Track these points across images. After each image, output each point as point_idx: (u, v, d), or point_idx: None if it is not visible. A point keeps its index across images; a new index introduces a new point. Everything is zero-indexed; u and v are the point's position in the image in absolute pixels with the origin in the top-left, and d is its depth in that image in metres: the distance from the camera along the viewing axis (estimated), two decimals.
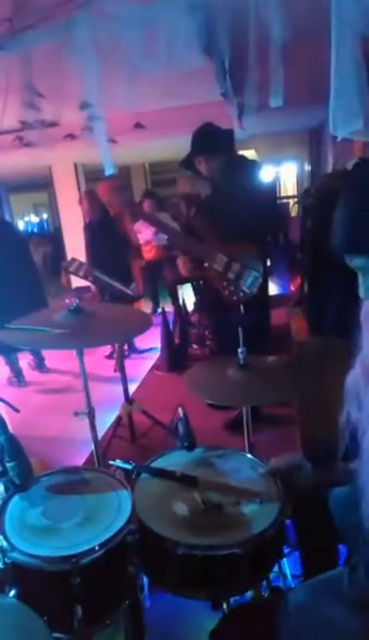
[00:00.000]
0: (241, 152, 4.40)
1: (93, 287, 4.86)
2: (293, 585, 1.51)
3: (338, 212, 0.86)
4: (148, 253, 5.89)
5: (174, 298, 5.31)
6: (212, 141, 2.84)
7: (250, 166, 3.03)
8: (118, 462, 1.51)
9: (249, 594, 1.39)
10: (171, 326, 4.62)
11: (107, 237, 4.89)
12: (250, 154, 8.16)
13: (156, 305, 6.29)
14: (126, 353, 5.16)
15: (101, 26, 2.19)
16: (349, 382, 0.95)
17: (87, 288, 5.04)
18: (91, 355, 4.74)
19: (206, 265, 2.87)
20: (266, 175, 5.39)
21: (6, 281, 3.96)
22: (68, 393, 4.18)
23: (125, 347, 5.21)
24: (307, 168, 8.76)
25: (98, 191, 4.54)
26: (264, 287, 3.14)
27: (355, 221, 0.84)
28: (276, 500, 1.36)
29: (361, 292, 0.89)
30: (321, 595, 1.02)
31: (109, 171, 3.18)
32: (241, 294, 2.79)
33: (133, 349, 5.16)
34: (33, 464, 1.32)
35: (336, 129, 1.70)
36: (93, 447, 1.95)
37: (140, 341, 5.16)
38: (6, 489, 1.36)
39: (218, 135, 2.88)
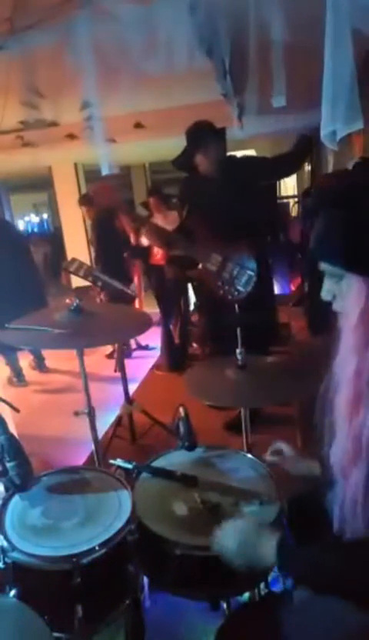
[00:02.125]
0: (240, 152, 4.39)
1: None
2: (292, 585, 1.51)
3: (317, 222, 0.99)
4: (156, 256, 5.16)
5: (175, 298, 5.28)
6: (209, 134, 2.87)
7: (247, 164, 3.03)
8: (119, 462, 1.51)
9: (247, 594, 1.40)
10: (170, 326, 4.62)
11: (108, 237, 4.89)
12: (250, 154, 8.15)
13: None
14: (134, 347, 5.16)
15: (101, 26, 2.19)
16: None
17: (87, 288, 5.04)
18: (91, 355, 4.74)
19: (200, 266, 2.87)
20: None
21: (6, 281, 3.96)
22: (68, 393, 4.18)
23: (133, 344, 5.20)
24: (307, 168, 8.74)
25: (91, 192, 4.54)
26: (269, 286, 3.14)
27: (327, 232, 0.97)
28: (275, 501, 1.36)
29: (322, 293, 1.02)
30: None
31: (107, 171, 3.18)
32: (236, 293, 2.79)
33: (138, 346, 5.19)
34: (33, 464, 1.32)
35: (331, 131, 1.69)
36: (93, 447, 1.95)
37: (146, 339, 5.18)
38: (6, 489, 1.36)
39: (213, 129, 2.91)
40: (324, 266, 0.99)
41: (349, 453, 0.93)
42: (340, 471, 0.97)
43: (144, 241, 4.99)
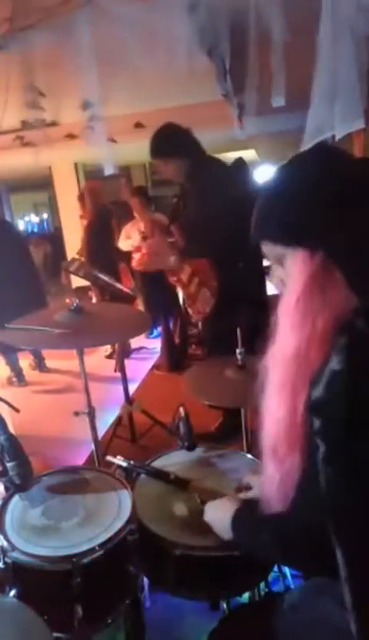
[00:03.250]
0: (241, 152, 4.37)
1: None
2: (292, 585, 1.51)
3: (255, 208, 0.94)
4: (135, 260, 5.07)
5: (175, 298, 5.27)
6: (161, 139, 2.62)
7: (225, 170, 2.66)
8: (116, 459, 1.51)
9: (247, 595, 1.40)
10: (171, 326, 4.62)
11: (102, 237, 4.87)
12: (250, 154, 8.15)
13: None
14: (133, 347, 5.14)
15: (101, 26, 2.19)
16: None
17: (87, 288, 5.02)
18: (91, 355, 4.74)
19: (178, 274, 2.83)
20: (261, 177, 4.93)
21: (6, 281, 3.96)
22: (68, 393, 4.18)
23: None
24: None
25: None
26: (261, 288, 3.11)
27: (268, 210, 0.92)
28: None
29: (274, 283, 0.99)
30: (316, 595, 1.03)
31: (109, 171, 3.18)
32: (196, 310, 2.76)
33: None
34: (33, 464, 1.32)
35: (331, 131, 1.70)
36: (93, 447, 1.95)
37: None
38: (6, 489, 1.36)
39: (177, 136, 2.60)
40: (268, 250, 0.93)
41: (284, 438, 0.91)
42: (272, 454, 0.96)
43: (123, 245, 4.93)
